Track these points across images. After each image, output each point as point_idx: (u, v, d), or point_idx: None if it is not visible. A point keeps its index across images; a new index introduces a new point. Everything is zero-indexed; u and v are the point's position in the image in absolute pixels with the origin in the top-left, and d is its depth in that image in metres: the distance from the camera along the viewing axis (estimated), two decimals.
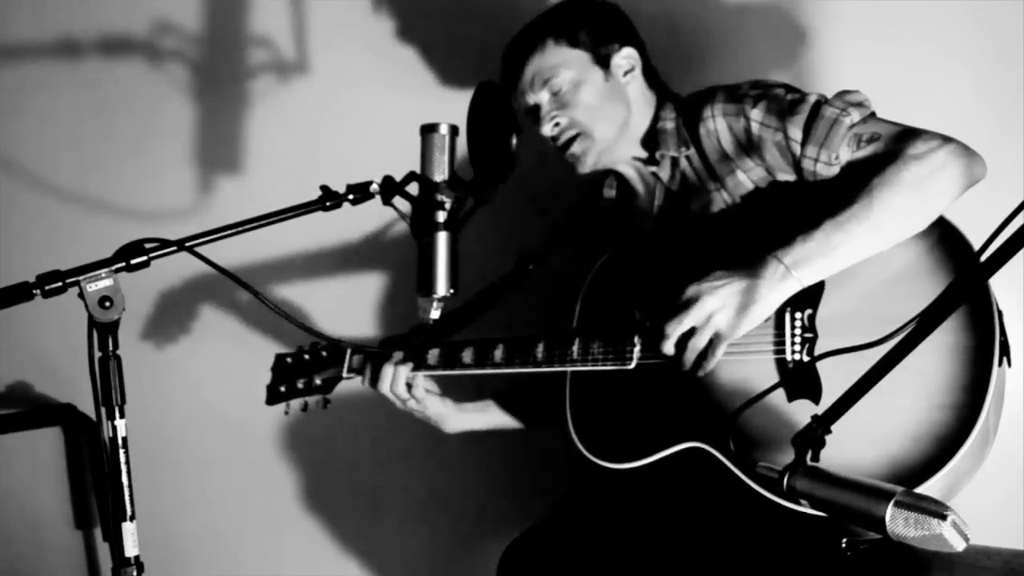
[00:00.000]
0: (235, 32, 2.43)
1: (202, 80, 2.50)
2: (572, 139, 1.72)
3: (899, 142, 1.48)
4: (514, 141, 1.46)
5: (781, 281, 1.45)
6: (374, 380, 1.80)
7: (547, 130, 1.73)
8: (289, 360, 1.94)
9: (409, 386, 1.79)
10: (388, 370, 1.78)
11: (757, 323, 1.48)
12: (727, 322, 1.48)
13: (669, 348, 1.54)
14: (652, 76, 1.80)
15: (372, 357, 1.84)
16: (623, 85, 1.74)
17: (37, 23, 2.62)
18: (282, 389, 1.91)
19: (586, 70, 1.71)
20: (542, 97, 1.73)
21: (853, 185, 1.47)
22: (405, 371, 1.78)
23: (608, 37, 1.73)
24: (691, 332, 1.52)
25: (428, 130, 1.46)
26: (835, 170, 1.53)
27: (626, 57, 1.74)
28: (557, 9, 1.77)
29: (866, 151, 1.51)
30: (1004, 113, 1.91)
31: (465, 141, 1.48)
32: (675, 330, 1.52)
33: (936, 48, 1.95)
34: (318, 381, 1.89)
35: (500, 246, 2.11)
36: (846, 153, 1.52)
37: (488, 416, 1.96)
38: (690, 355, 1.53)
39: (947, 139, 1.46)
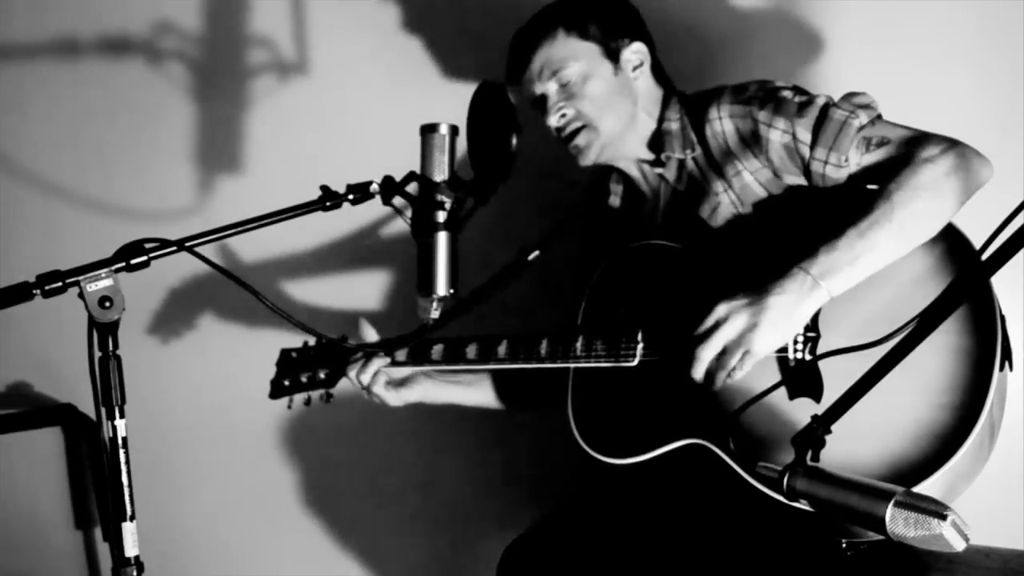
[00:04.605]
0: (235, 32, 2.43)
1: (202, 80, 2.50)
2: (577, 131, 1.72)
3: (909, 146, 1.48)
4: (514, 141, 1.45)
5: (810, 293, 1.42)
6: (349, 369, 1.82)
7: (553, 121, 1.73)
8: (294, 355, 1.95)
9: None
10: (359, 361, 1.81)
11: (789, 338, 1.46)
12: (759, 340, 1.43)
13: (700, 372, 1.49)
14: (659, 72, 1.79)
15: (374, 354, 1.84)
16: (631, 80, 1.73)
17: (37, 23, 2.62)
18: (286, 383, 1.93)
19: (596, 63, 1.70)
20: (550, 88, 1.72)
21: (868, 191, 1.46)
22: (379, 363, 1.80)
23: (619, 31, 1.72)
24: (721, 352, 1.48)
25: (428, 130, 1.46)
26: (844, 173, 1.53)
27: (636, 52, 1.73)
28: (568, 0, 1.76)
29: (875, 155, 1.51)
30: (1005, 113, 1.90)
31: (465, 141, 1.48)
32: (708, 354, 1.47)
33: (937, 49, 1.95)
34: (321, 375, 1.90)
35: (501, 245, 2.11)
36: (855, 156, 1.52)
37: (476, 393, 1.96)
38: (721, 375, 1.48)
39: (955, 142, 1.46)
